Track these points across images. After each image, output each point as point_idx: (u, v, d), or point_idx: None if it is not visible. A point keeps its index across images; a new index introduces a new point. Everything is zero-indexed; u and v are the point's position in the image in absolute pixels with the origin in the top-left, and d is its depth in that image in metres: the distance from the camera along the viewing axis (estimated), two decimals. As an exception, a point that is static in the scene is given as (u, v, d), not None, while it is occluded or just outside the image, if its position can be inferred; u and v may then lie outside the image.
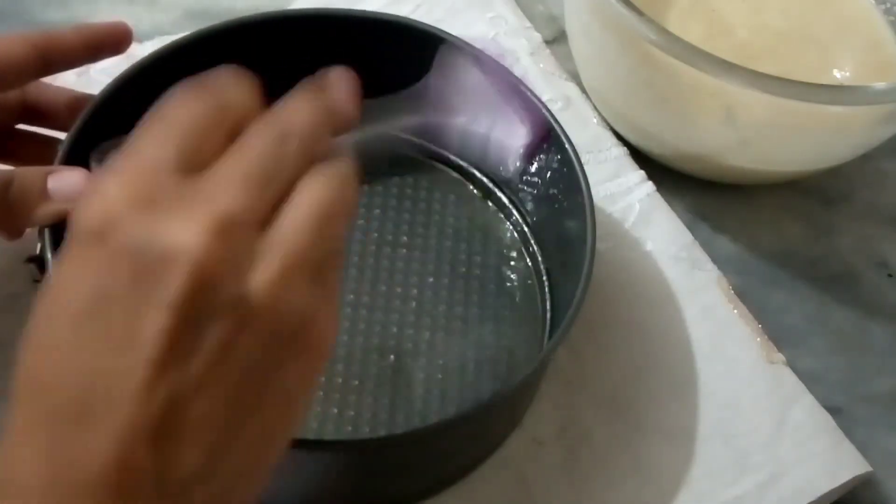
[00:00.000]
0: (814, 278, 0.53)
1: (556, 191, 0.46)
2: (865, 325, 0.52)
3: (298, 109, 0.28)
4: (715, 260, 0.51)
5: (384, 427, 0.43)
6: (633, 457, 0.45)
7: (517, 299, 0.48)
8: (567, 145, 0.44)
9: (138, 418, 0.24)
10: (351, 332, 0.46)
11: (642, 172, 0.54)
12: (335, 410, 0.43)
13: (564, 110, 0.55)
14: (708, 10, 0.56)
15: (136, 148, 0.26)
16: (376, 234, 0.49)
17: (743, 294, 0.50)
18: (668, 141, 0.53)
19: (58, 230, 0.39)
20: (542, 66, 0.57)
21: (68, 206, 0.39)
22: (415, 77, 0.48)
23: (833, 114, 0.47)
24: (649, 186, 0.53)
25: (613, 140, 0.55)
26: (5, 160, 0.44)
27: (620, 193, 0.53)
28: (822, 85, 0.45)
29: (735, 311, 0.49)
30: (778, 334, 0.49)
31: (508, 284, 0.48)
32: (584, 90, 0.57)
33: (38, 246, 0.39)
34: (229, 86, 0.29)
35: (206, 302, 0.25)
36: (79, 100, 0.44)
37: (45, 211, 0.38)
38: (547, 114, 0.45)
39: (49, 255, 0.38)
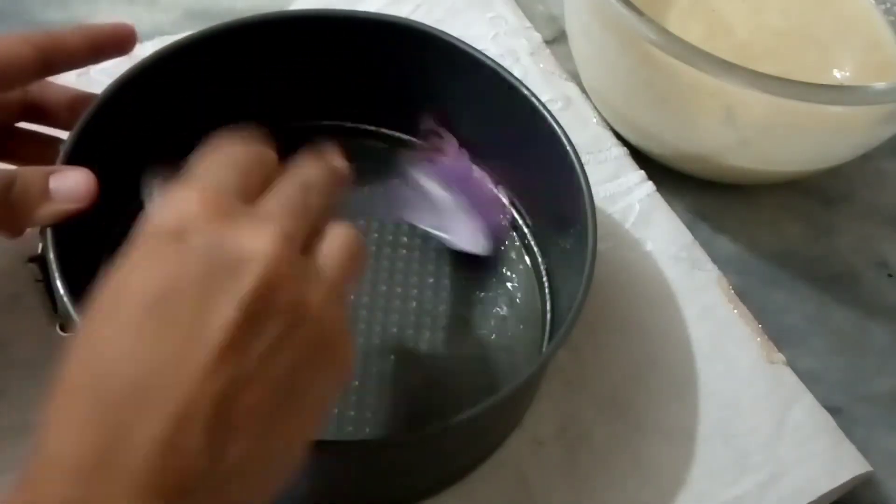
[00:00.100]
0: (814, 278, 0.53)
1: (556, 191, 0.46)
2: (865, 325, 0.52)
3: (312, 167, 0.33)
4: (715, 260, 0.51)
5: (384, 427, 0.43)
6: (633, 457, 0.45)
7: (517, 299, 0.48)
8: (567, 145, 0.44)
9: (195, 405, 0.26)
10: (351, 332, 0.46)
11: (642, 172, 0.54)
12: (336, 410, 0.43)
13: (564, 110, 0.55)
14: (708, 10, 0.56)
15: (203, 172, 0.30)
16: (376, 235, 0.49)
17: (743, 294, 0.50)
18: (668, 141, 0.53)
19: (59, 230, 0.39)
20: (542, 66, 0.57)
21: (70, 206, 0.39)
22: (414, 77, 0.48)
23: (833, 114, 0.47)
24: (649, 186, 0.53)
25: (613, 140, 0.55)
26: (6, 160, 0.44)
27: (620, 193, 0.53)
28: (822, 85, 0.45)
29: (735, 311, 0.49)
30: (778, 334, 0.49)
31: (508, 284, 0.48)
32: (584, 90, 0.57)
33: (40, 246, 0.39)
34: (260, 143, 0.33)
35: (269, 301, 0.27)
36: (80, 99, 0.44)
37: (47, 211, 0.39)
38: (547, 114, 0.45)
39: (50, 255, 0.38)
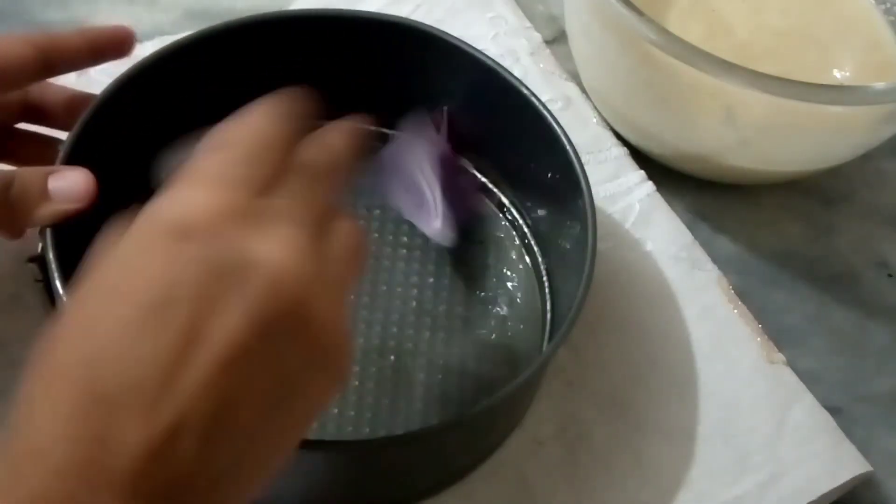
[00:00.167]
0: (814, 278, 0.53)
1: (556, 191, 0.46)
2: (865, 325, 0.52)
3: (328, 148, 0.32)
4: (715, 260, 0.51)
5: (384, 427, 0.43)
6: (633, 457, 0.45)
7: (517, 299, 0.48)
8: (567, 145, 0.44)
9: (193, 413, 0.25)
10: (351, 332, 0.46)
11: (642, 172, 0.54)
12: (335, 410, 0.43)
13: (564, 110, 0.55)
14: (708, 10, 0.56)
15: (213, 162, 0.29)
16: (377, 235, 0.49)
17: (743, 294, 0.50)
18: (668, 141, 0.53)
19: (59, 230, 0.39)
20: (542, 66, 0.57)
21: (69, 206, 0.39)
22: (414, 77, 0.48)
23: (833, 114, 0.47)
24: (649, 186, 0.53)
25: (613, 140, 0.55)
26: (6, 160, 0.44)
27: (620, 193, 0.53)
28: (822, 85, 0.45)
29: (735, 311, 0.49)
30: (778, 334, 0.49)
31: (508, 284, 0.48)
32: (584, 90, 0.57)
33: (39, 246, 0.39)
34: (289, 108, 0.31)
35: (276, 310, 0.26)
36: (79, 99, 0.44)
37: (46, 211, 0.39)
38: (547, 114, 0.45)
39: (50, 255, 0.38)
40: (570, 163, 0.44)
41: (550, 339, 0.46)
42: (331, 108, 0.51)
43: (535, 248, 0.49)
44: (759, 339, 0.48)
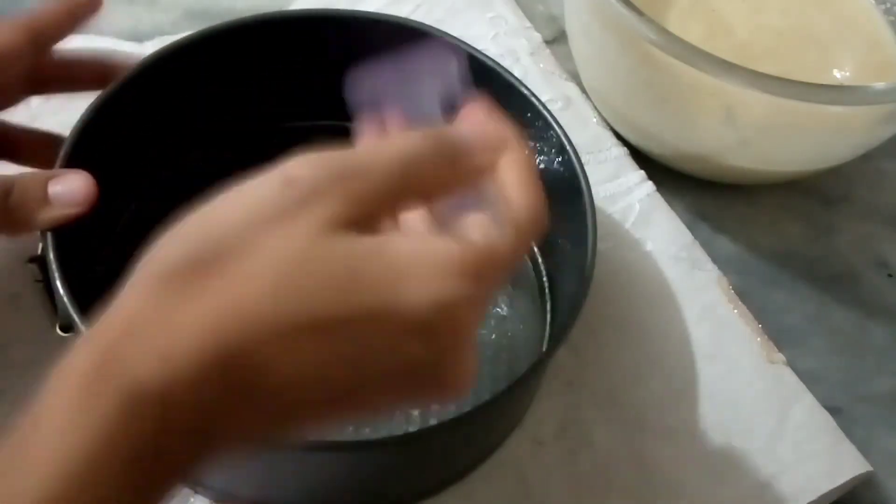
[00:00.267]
0: (814, 278, 0.53)
1: (556, 191, 0.46)
2: (865, 325, 0.52)
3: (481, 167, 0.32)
4: (715, 260, 0.51)
5: (385, 427, 0.43)
6: (633, 456, 0.45)
7: (517, 299, 0.48)
8: (567, 145, 0.44)
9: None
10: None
11: (642, 172, 0.54)
12: (335, 410, 0.43)
13: (564, 110, 0.55)
14: (708, 10, 0.56)
15: (379, 171, 0.28)
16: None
17: (743, 294, 0.50)
18: (668, 141, 0.53)
19: (59, 231, 0.39)
20: (542, 66, 0.57)
21: (69, 211, 0.39)
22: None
23: (833, 114, 0.47)
24: (649, 186, 0.53)
25: (613, 140, 0.55)
26: (6, 160, 0.44)
27: (620, 193, 0.53)
28: (822, 85, 0.45)
29: (735, 311, 0.49)
30: (778, 334, 0.49)
31: (509, 284, 0.48)
32: (584, 90, 0.57)
33: (40, 246, 0.39)
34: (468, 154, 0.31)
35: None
36: (51, 141, 0.44)
37: (47, 216, 0.39)
38: (547, 114, 0.45)
39: (50, 256, 0.38)
40: (570, 163, 0.44)
41: (550, 339, 0.46)
42: (331, 108, 0.52)
43: (535, 249, 0.49)
44: (759, 339, 0.48)
